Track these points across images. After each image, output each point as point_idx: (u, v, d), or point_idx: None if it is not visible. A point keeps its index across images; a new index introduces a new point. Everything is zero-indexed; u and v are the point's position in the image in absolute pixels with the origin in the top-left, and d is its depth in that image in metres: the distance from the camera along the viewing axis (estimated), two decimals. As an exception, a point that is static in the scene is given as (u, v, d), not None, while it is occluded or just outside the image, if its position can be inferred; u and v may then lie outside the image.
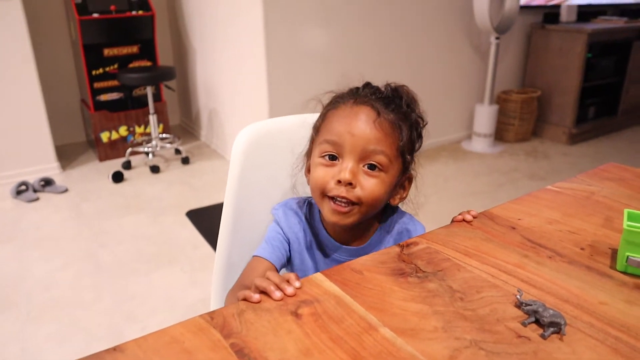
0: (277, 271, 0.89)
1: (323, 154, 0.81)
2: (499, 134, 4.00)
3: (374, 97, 0.81)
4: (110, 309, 1.99)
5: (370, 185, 0.79)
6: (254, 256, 0.88)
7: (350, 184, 0.78)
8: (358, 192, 0.79)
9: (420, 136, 0.87)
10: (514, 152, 3.79)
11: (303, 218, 0.90)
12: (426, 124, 0.88)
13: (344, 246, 0.89)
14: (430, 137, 3.87)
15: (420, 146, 0.88)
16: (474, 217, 0.89)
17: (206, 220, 2.67)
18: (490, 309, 0.64)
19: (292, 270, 0.92)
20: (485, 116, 3.76)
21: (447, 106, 3.81)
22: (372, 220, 0.89)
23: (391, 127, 0.80)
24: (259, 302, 0.64)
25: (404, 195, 0.89)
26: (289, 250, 0.90)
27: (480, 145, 3.81)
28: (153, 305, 2.01)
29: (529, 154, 3.75)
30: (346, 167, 0.78)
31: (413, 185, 0.89)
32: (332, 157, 0.80)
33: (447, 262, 0.75)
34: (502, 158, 3.65)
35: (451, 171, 3.37)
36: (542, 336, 0.59)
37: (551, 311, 0.61)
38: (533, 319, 0.62)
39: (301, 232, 0.90)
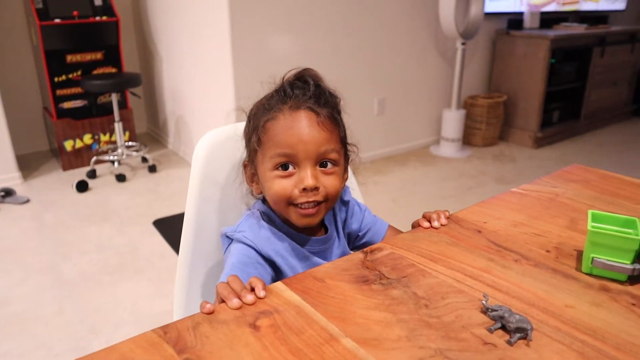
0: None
1: (276, 166, 0.81)
2: (467, 139, 4.04)
3: (304, 97, 0.82)
4: (73, 323, 1.92)
5: (331, 183, 0.82)
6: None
7: (316, 188, 0.79)
8: (322, 192, 0.81)
9: (340, 112, 0.89)
10: (482, 156, 3.83)
11: (273, 229, 0.86)
12: (340, 100, 0.88)
13: (312, 237, 0.89)
14: (399, 143, 3.92)
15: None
16: (447, 218, 0.89)
17: (174, 229, 2.61)
18: (456, 315, 0.62)
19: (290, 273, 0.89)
20: (452, 121, 3.80)
21: (415, 111, 3.84)
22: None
23: (331, 123, 0.82)
24: (210, 312, 0.61)
25: (346, 176, 0.91)
26: (273, 269, 0.84)
27: (448, 149, 3.85)
28: (118, 318, 1.95)
29: (496, 157, 3.79)
30: (307, 175, 0.79)
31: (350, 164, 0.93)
32: (285, 167, 0.81)
33: (412, 267, 0.73)
34: (470, 162, 3.69)
35: (420, 176, 3.38)
36: (509, 342, 0.58)
37: (517, 316, 0.60)
38: (499, 324, 0.60)
39: (281, 243, 0.85)
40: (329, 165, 0.81)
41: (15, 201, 2.95)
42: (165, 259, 2.35)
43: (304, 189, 0.79)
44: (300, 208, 0.80)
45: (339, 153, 0.83)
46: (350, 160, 0.92)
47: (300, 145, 0.79)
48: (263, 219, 0.87)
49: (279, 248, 0.85)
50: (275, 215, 0.88)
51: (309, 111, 0.80)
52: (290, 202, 0.81)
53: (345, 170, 0.91)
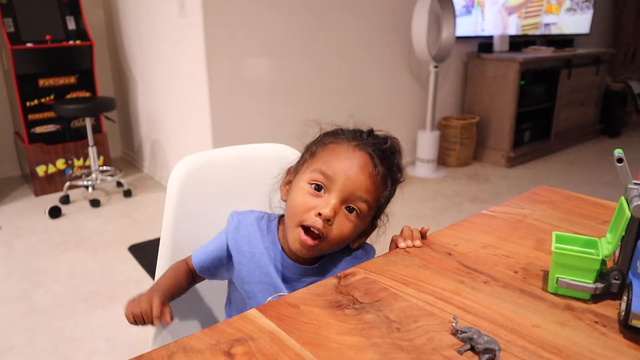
0: (197, 274, 0.95)
1: (312, 182, 0.84)
2: (442, 159, 4.11)
3: (375, 148, 0.86)
4: (46, 352, 1.88)
5: (344, 227, 0.83)
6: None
7: (328, 220, 0.81)
8: (331, 229, 0.82)
9: (394, 191, 0.92)
10: (456, 176, 3.89)
11: (262, 231, 0.91)
12: (404, 180, 0.93)
13: (301, 265, 0.89)
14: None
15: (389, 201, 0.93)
16: (423, 242, 0.91)
17: (149, 255, 2.59)
18: (427, 338, 0.64)
19: (243, 283, 0.91)
20: (427, 142, 3.86)
21: (391, 133, 3.88)
22: None
23: (381, 181, 0.85)
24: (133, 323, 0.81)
25: (363, 241, 0.93)
26: (232, 262, 0.91)
27: (423, 170, 3.90)
28: (92, 347, 1.91)
29: (470, 177, 3.86)
30: (330, 203, 0.81)
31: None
32: (319, 188, 0.83)
33: (385, 291, 0.74)
34: (445, 182, 3.75)
35: (396, 196, 3.41)
36: (477, 363, 0.60)
37: (486, 337, 0.61)
38: (468, 346, 0.62)
39: (263, 245, 0.90)
40: (354, 212, 0.83)
41: (-15, 228, 2.89)
42: (141, 285, 2.32)
43: (319, 214, 0.80)
44: (304, 232, 0.82)
45: (369, 208, 0.85)
46: (376, 228, 0.94)
47: (342, 176, 0.82)
48: (260, 220, 0.92)
49: (259, 250, 0.89)
50: (276, 228, 0.91)
51: (370, 158, 0.84)
52: (300, 222, 0.82)
53: (365, 234, 0.92)
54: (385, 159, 0.86)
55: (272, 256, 0.89)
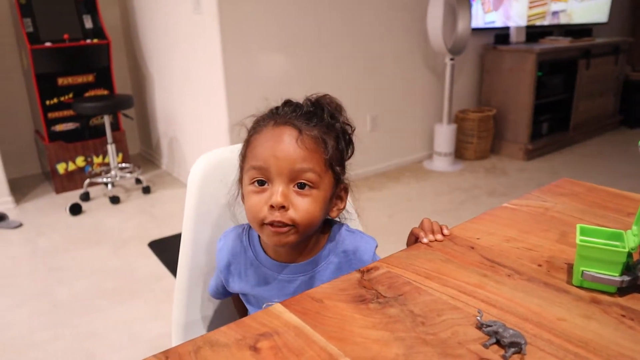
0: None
1: (252, 181, 0.80)
2: (459, 152, 4.08)
3: (294, 115, 0.81)
4: (69, 348, 1.91)
5: (303, 205, 0.78)
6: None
7: (283, 207, 0.77)
8: (292, 213, 0.78)
9: (350, 143, 0.87)
10: (474, 169, 3.86)
11: (243, 242, 0.91)
12: (354, 129, 0.87)
13: (291, 264, 0.87)
14: (392, 158, 3.95)
15: (352, 153, 0.88)
16: (445, 236, 0.90)
17: (169, 251, 2.61)
18: (452, 332, 0.64)
19: (239, 291, 0.92)
20: (444, 135, 3.84)
21: (408, 127, 3.88)
22: (317, 236, 0.88)
23: (315, 143, 0.79)
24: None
25: (342, 206, 0.88)
26: (227, 278, 0.92)
27: (441, 164, 3.88)
28: (114, 342, 1.94)
29: (488, 170, 3.83)
30: (277, 191, 0.77)
31: (350, 194, 0.90)
32: (262, 182, 0.79)
33: (408, 285, 0.74)
34: (462, 176, 3.72)
35: (414, 191, 3.41)
36: (504, 357, 0.59)
37: (511, 331, 0.61)
38: (494, 340, 0.62)
39: (242, 253, 0.90)
40: (306, 187, 0.78)
41: (7, 226, 2.94)
42: (161, 281, 2.35)
43: (272, 206, 0.77)
44: (271, 226, 0.78)
45: (319, 175, 0.79)
46: (345, 187, 0.87)
47: (273, 160, 0.77)
48: (240, 234, 0.92)
49: (240, 257, 0.90)
50: (257, 236, 0.89)
51: (291, 128, 0.79)
52: (261, 221, 0.79)
53: (339, 199, 0.87)
54: (310, 119, 0.80)
55: (258, 265, 0.88)
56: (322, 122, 0.81)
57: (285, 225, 0.78)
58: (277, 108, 0.84)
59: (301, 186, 0.78)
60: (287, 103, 0.85)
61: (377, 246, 0.89)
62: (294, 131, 0.78)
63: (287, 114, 0.81)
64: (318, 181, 0.79)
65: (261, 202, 0.79)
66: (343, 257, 0.87)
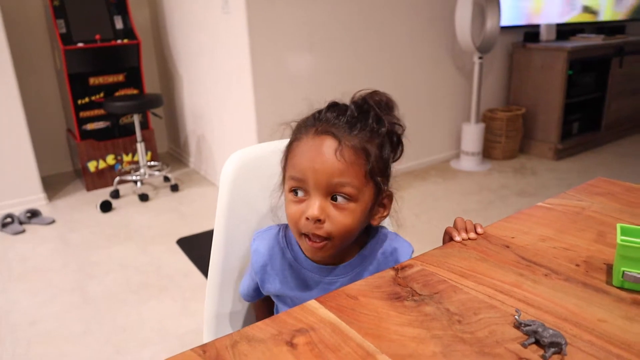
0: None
1: (291, 189, 0.80)
2: (487, 152, 4.03)
3: (336, 122, 0.78)
4: (100, 342, 1.95)
5: (340, 219, 0.77)
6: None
7: (319, 220, 0.76)
8: (328, 227, 0.77)
9: (398, 144, 0.84)
10: (502, 169, 3.81)
11: (280, 243, 0.89)
12: (404, 129, 0.85)
13: (334, 267, 0.86)
14: (419, 157, 3.92)
15: (401, 154, 0.86)
16: (479, 234, 0.89)
17: (197, 248, 2.64)
18: (489, 330, 0.63)
19: (275, 293, 0.91)
20: (472, 135, 3.79)
21: (435, 126, 3.84)
22: (353, 244, 0.87)
23: (355, 154, 0.76)
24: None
25: (385, 213, 0.85)
26: (262, 279, 0.90)
27: (468, 163, 3.84)
28: (144, 337, 1.97)
29: (516, 170, 3.77)
30: (314, 204, 0.76)
31: (394, 201, 0.87)
32: (300, 192, 0.79)
33: (443, 284, 0.74)
34: (490, 175, 3.67)
35: (441, 190, 3.38)
36: (544, 357, 0.58)
37: (551, 331, 0.60)
38: (533, 339, 0.61)
39: (279, 254, 0.88)
40: (340, 199, 0.76)
41: (40, 222, 3.01)
42: (189, 278, 2.38)
43: (307, 219, 0.76)
44: (308, 239, 0.79)
45: (358, 189, 0.76)
46: (389, 194, 0.84)
47: (310, 173, 0.76)
48: (278, 233, 0.90)
49: (276, 259, 0.88)
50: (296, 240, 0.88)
51: (331, 138, 0.76)
52: (298, 231, 0.80)
53: (382, 206, 0.84)
54: (354, 125, 0.77)
55: (298, 267, 0.87)
56: (365, 129, 0.78)
57: (322, 238, 0.78)
58: (319, 112, 0.81)
59: (336, 199, 0.77)
60: (331, 107, 0.81)
61: (413, 251, 0.88)
62: (333, 142, 0.76)
63: (329, 120, 0.78)
64: (356, 194, 0.77)
65: (299, 212, 0.78)
66: (382, 258, 0.87)
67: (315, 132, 0.78)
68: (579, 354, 0.59)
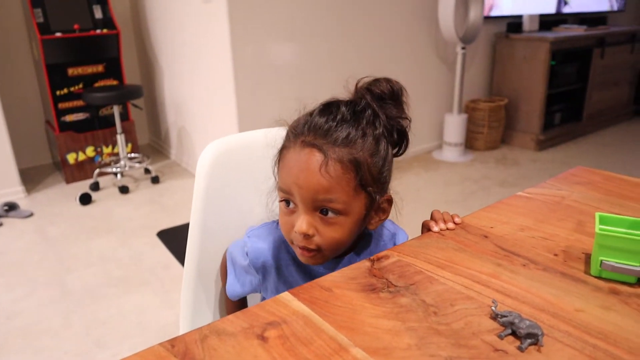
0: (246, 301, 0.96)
1: (281, 199, 0.78)
2: (469, 143, 4.04)
3: (326, 129, 0.73)
4: (79, 335, 1.92)
5: (329, 233, 0.75)
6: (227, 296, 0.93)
7: (308, 235, 0.74)
8: (317, 240, 0.75)
9: (402, 138, 0.81)
10: (484, 159, 3.82)
11: (282, 238, 0.86)
12: (410, 121, 0.81)
13: (339, 260, 0.85)
14: (402, 148, 3.91)
15: (406, 147, 0.83)
16: (457, 224, 0.88)
17: (178, 240, 2.61)
18: (465, 322, 0.62)
19: (274, 290, 0.88)
20: (454, 125, 3.80)
21: (417, 117, 3.83)
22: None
23: (342, 168, 0.72)
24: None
25: (384, 217, 0.83)
26: (263, 277, 0.87)
27: (451, 154, 3.84)
28: (124, 330, 1.94)
29: (499, 161, 3.79)
30: (302, 219, 0.74)
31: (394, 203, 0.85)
32: (289, 203, 0.77)
33: (420, 275, 0.72)
34: (472, 166, 3.68)
35: (423, 181, 3.38)
36: (520, 348, 0.57)
37: (527, 322, 0.59)
38: (509, 330, 0.60)
39: (280, 250, 0.86)
40: (330, 213, 0.74)
41: (18, 215, 2.95)
42: (169, 270, 2.35)
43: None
44: (299, 248, 0.77)
45: (346, 203, 0.73)
46: (389, 199, 0.82)
47: (295, 188, 0.73)
48: (275, 229, 0.87)
49: (274, 258, 0.85)
50: None
51: (317, 151, 0.72)
52: (290, 241, 0.79)
53: (382, 211, 0.82)
54: (344, 132, 0.72)
55: (301, 262, 0.84)
56: (357, 134, 0.73)
57: (312, 249, 0.76)
58: (311, 114, 0.77)
59: (326, 212, 0.74)
60: (322, 110, 0.76)
61: (408, 237, 0.88)
62: (319, 156, 0.71)
63: (318, 127, 0.73)
64: (345, 208, 0.74)
65: (289, 223, 0.76)
66: (381, 242, 0.87)
67: (302, 144, 0.73)
68: (556, 345, 0.58)
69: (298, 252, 0.79)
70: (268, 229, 0.89)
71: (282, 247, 0.86)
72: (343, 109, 0.75)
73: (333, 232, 0.75)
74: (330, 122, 0.73)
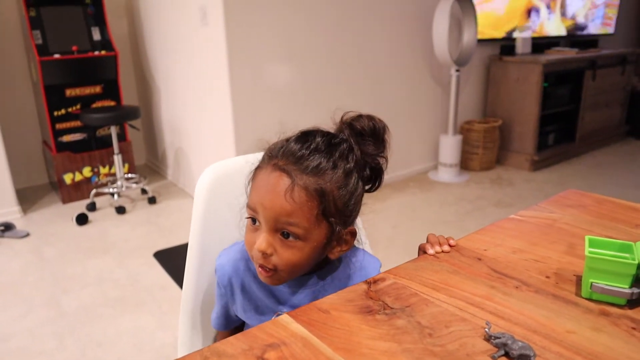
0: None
1: (248, 217, 0.80)
2: (464, 163, 4.08)
3: (298, 156, 0.75)
4: (75, 357, 1.91)
5: (287, 255, 0.77)
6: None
7: (266, 254, 0.77)
8: (275, 260, 0.77)
9: (376, 175, 0.84)
10: (480, 180, 3.85)
11: (245, 256, 0.89)
12: (387, 160, 0.84)
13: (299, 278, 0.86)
14: (397, 169, 3.94)
15: (379, 185, 0.85)
16: (452, 247, 0.90)
17: (174, 261, 2.61)
18: (460, 343, 0.63)
19: (241, 308, 0.90)
20: (449, 146, 3.83)
21: (413, 138, 3.88)
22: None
23: (307, 196, 0.74)
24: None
25: (345, 248, 0.83)
26: (231, 294, 0.90)
27: (446, 175, 3.87)
28: (120, 352, 1.93)
29: (494, 181, 3.82)
30: (263, 238, 0.76)
31: (363, 229, 0.87)
32: (254, 221, 0.79)
33: (415, 297, 0.74)
34: (468, 187, 3.71)
35: (419, 201, 3.40)
36: (512, 369, 0.59)
37: (520, 343, 0.61)
38: (502, 352, 0.61)
39: (245, 267, 0.89)
40: (290, 237, 0.76)
41: (14, 235, 2.95)
42: (166, 291, 2.35)
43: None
44: (258, 265, 0.79)
45: (307, 229, 0.75)
46: (352, 231, 0.82)
47: (260, 208, 0.76)
48: (242, 250, 0.89)
49: (240, 275, 0.88)
50: None
51: (285, 176, 0.74)
52: (251, 258, 0.81)
53: (344, 242, 0.82)
54: (315, 162, 0.75)
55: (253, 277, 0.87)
56: (327, 166, 0.75)
57: (269, 269, 0.78)
58: (287, 140, 0.79)
59: (286, 235, 0.76)
60: (300, 138, 0.79)
61: (381, 266, 0.88)
62: (286, 181, 0.74)
63: (291, 153, 0.76)
64: (304, 234, 0.76)
65: (251, 240, 0.79)
66: (349, 270, 0.87)
67: (274, 167, 0.76)
68: (547, 366, 0.59)
69: (257, 270, 0.81)
70: (236, 248, 0.92)
71: (247, 265, 0.88)
72: (319, 139, 0.78)
73: (290, 255, 0.77)
74: (304, 150, 0.76)
